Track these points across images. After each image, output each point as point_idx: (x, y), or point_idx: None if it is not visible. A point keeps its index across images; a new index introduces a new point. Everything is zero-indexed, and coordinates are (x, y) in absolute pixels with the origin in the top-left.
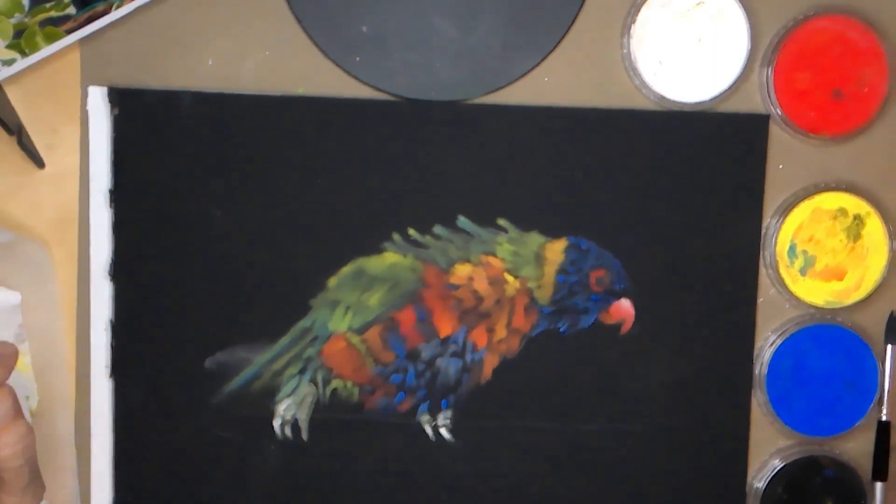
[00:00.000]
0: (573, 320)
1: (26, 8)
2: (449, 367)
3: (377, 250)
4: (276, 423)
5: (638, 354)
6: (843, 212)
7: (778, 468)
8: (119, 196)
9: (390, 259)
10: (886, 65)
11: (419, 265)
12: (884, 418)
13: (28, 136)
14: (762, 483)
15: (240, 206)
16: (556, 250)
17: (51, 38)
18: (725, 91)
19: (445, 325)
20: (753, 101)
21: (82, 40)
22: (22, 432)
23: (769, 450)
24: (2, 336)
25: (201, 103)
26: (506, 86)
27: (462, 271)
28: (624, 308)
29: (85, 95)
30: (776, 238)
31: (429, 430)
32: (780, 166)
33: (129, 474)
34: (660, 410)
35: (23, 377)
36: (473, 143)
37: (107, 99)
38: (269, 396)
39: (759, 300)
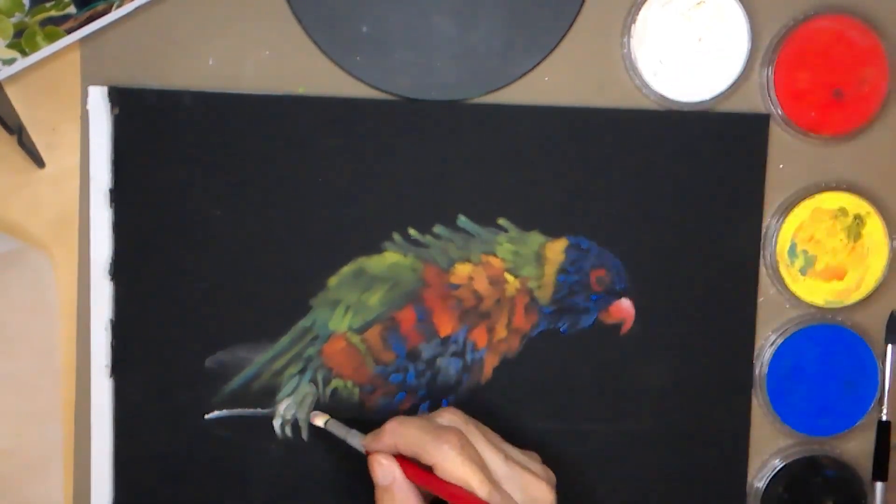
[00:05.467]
0: (573, 320)
1: (27, 7)
2: (449, 366)
3: (377, 250)
4: (277, 423)
5: (638, 354)
6: (843, 211)
7: (778, 468)
8: (119, 196)
9: (390, 259)
10: (886, 65)
11: (419, 265)
12: (884, 418)
13: (28, 136)
14: (762, 483)
15: (240, 206)
16: (556, 250)
17: (51, 38)
18: (725, 91)
19: (445, 325)
20: (753, 101)
21: (82, 40)
22: None
23: (769, 450)
24: None
25: (201, 103)
26: (506, 86)
27: (462, 271)
28: (624, 308)
29: (85, 95)
30: (776, 238)
31: None
32: (781, 166)
33: (129, 474)
34: (660, 410)
35: None
36: (473, 143)
37: (107, 99)
38: (269, 396)
39: (759, 300)
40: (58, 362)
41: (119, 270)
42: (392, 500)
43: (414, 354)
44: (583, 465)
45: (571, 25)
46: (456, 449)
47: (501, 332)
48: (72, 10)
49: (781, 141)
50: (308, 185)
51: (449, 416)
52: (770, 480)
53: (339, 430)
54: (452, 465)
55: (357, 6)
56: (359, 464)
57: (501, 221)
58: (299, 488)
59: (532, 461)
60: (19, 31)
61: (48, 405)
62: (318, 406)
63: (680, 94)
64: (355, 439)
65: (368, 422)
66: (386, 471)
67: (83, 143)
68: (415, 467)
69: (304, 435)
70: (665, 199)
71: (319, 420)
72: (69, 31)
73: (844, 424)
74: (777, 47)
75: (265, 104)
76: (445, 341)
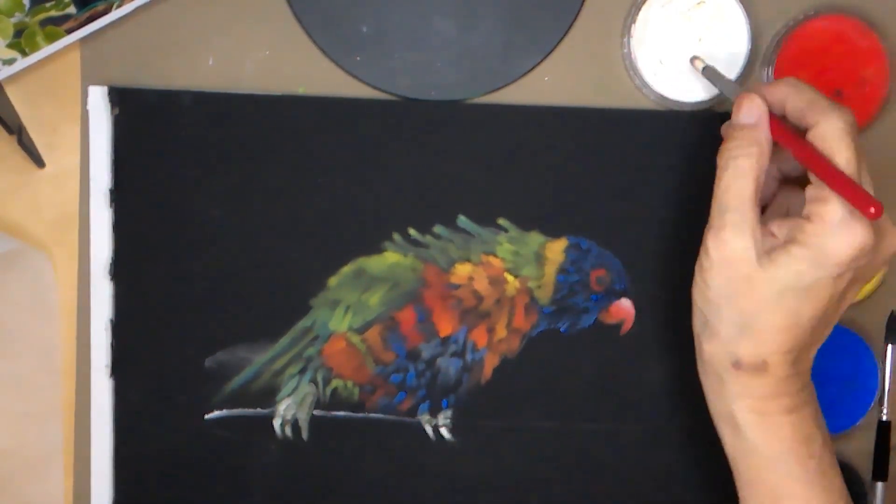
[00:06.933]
0: (573, 320)
1: (27, 7)
2: (449, 366)
3: (377, 250)
4: (277, 423)
5: (638, 354)
6: None
7: None
8: (119, 196)
9: (390, 259)
10: (886, 65)
11: (419, 265)
12: (884, 418)
13: (28, 136)
14: None
15: (240, 206)
16: (556, 250)
17: (51, 38)
18: None
19: (446, 325)
20: None
21: (82, 40)
22: None
23: None
24: None
25: (201, 103)
26: (506, 86)
27: (462, 271)
28: (624, 308)
29: (85, 95)
30: None
31: (429, 430)
32: None
33: (129, 474)
34: (660, 410)
35: None
36: (473, 143)
37: (107, 99)
38: (269, 396)
39: None
40: (58, 362)
41: (119, 270)
42: (745, 141)
43: (414, 354)
44: (583, 465)
45: (571, 25)
46: (847, 120)
47: (501, 332)
48: (72, 10)
49: None
50: (308, 185)
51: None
52: None
53: (714, 77)
54: (834, 133)
55: (357, 6)
56: (358, 464)
57: (501, 221)
58: (299, 488)
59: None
60: (19, 31)
61: (48, 405)
62: (318, 406)
63: (680, 94)
64: (730, 86)
65: (368, 422)
66: (754, 108)
67: (83, 143)
68: (781, 123)
69: (304, 435)
70: (665, 199)
71: (699, 63)
72: (69, 31)
73: (844, 424)
74: (777, 47)
75: (265, 104)
76: (445, 341)
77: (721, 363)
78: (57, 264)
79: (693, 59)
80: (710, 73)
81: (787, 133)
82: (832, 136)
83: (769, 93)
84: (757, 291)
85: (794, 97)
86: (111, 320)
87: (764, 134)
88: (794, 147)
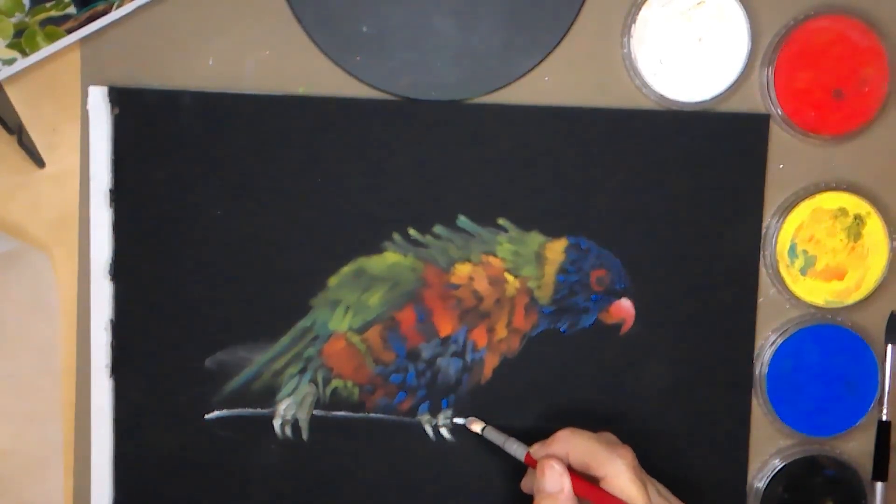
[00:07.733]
0: (573, 320)
1: (27, 7)
2: (449, 366)
3: (377, 250)
4: (277, 423)
5: (638, 354)
6: (843, 211)
7: (778, 468)
8: (119, 196)
9: (390, 259)
10: (886, 65)
11: (419, 265)
12: (884, 418)
13: (28, 136)
14: (762, 483)
15: (240, 206)
16: (556, 250)
17: (51, 38)
18: (725, 91)
19: (445, 325)
20: (753, 101)
21: (82, 40)
22: None
23: (769, 450)
24: None
25: (201, 103)
26: (506, 86)
27: (462, 271)
28: (624, 308)
29: (85, 95)
30: (776, 238)
31: (429, 430)
32: (780, 166)
33: (129, 474)
34: (660, 410)
35: None
36: (473, 143)
37: (107, 99)
38: (269, 396)
39: (759, 300)
40: (58, 362)
41: (119, 270)
42: None
43: (414, 354)
44: None
45: (571, 25)
46: (630, 465)
47: (501, 332)
48: (72, 10)
49: (781, 141)
50: (308, 185)
51: (609, 436)
52: (770, 480)
53: (496, 437)
54: (623, 481)
55: (357, 6)
56: (358, 464)
57: (501, 221)
58: (299, 488)
59: (676, 499)
60: (19, 31)
61: (48, 405)
62: (318, 406)
63: (680, 94)
64: (514, 446)
65: (368, 422)
66: (557, 478)
67: (83, 143)
68: (579, 479)
69: (304, 435)
70: (665, 198)
71: (477, 426)
72: (69, 31)
73: (844, 424)
74: (777, 47)
75: (265, 104)
76: (445, 341)
77: None
78: (57, 264)
79: (470, 421)
80: (490, 433)
81: (589, 487)
82: (622, 485)
83: (552, 449)
84: None
85: (574, 450)
86: (111, 320)
87: (570, 500)
88: (597, 501)
